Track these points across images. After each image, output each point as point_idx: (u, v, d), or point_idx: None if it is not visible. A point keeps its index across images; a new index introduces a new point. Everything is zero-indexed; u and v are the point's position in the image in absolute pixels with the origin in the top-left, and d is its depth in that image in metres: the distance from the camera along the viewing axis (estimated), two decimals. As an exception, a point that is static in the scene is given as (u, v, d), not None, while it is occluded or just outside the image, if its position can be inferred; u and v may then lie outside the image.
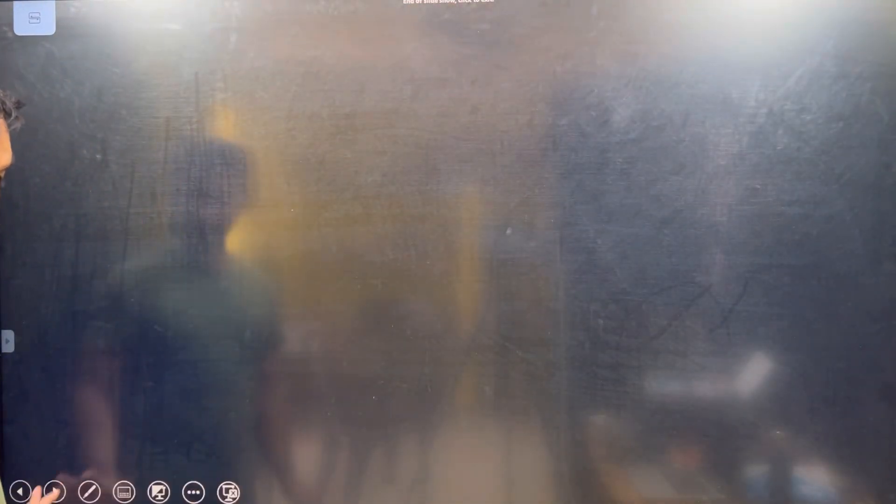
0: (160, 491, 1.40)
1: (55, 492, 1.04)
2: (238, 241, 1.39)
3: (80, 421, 1.40)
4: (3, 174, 1.07)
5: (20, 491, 1.38)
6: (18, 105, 1.09)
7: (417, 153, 1.36)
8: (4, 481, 1.38)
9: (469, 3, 1.35)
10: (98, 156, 1.37)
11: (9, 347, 1.38)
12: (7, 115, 1.06)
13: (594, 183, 1.35)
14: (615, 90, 1.34)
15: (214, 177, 1.37)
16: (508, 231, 1.36)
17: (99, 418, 1.40)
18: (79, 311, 1.40)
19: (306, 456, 1.41)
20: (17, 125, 1.09)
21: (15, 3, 1.37)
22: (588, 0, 1.34)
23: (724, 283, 1.33)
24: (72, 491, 1.38)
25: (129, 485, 1.39)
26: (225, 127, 1.38)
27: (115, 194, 1.37)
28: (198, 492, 1.39)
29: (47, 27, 1.37)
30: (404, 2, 1.35)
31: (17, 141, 1.37)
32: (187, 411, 1.39)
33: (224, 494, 1.39)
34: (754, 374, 1.35)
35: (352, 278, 1.36)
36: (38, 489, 1.06)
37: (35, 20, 1.37)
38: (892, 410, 1.33)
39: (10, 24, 1.37)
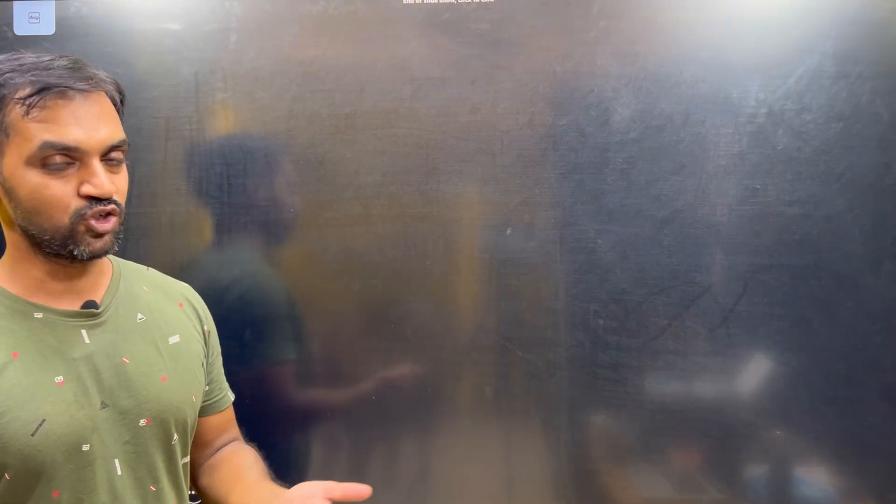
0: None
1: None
2: (239, 241, 1.39)
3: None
4: None
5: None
6: None
7: (417, 153, 1.36)
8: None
9: (469, 3, 1.35)
10: (98, 156, 1.37)
11: (9, 347, 1.38)
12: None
13: (594, 183, 1.35)
14: (615, 90, 1.34)
15: (214, 176, 1.37)
16: (508, 231, 1.36)
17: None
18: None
19: (303, 456, 1.41)
20: None
21: (15, 3, 1.37)
22: (588, 0, 1.34)
23: (724, 283, 1.33)
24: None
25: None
26: (225, 127, 1.38)
27: (115, 194, 1.37)
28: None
29: (47, 27, 1.37)
30: (404, 2, 1.35)
31: (17, 141, 1.37)
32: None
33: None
34: (754, 374, 1.35)
35: (351, 278, 1.37)
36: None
37: (35, 20, 1.37)
38: (892, 410, 1.33)
39: (10, 24, 1.37)
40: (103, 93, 0.94)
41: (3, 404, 0.89)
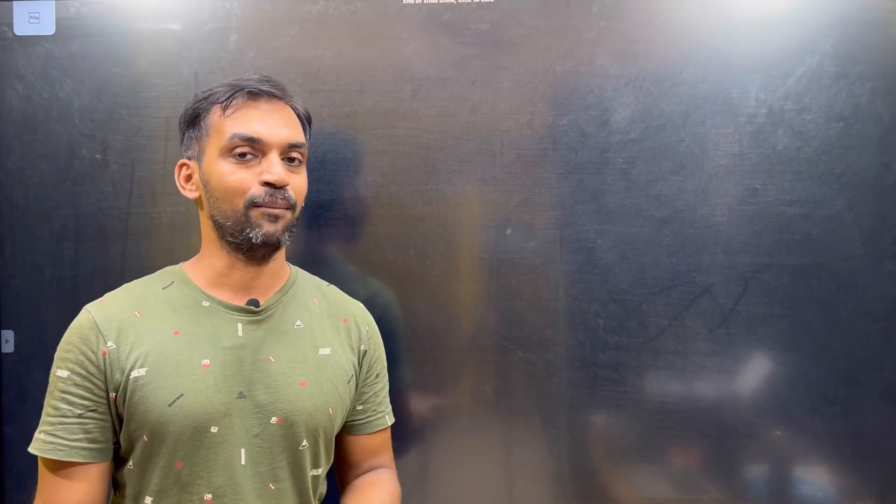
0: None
1: None
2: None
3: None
4: None
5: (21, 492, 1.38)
6: None
7: (417, 153, 1.36)
8: (4, 481, 1.38)
9: (469, 3, 1.35)
10: (98, 156, 1.37)
11: (9, 347, 1.38)
12: None
13: (594, 183, 1.35)
14: (615, 90, 1.34)
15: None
16: (508, 231, 1.36)
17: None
18: (78, 310, 1.39)
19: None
20: None
21: (15, 3, 1.37)
22: (588, 0, 1.34)
23: (724, 283, 1.33)
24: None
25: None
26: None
27: (115, 194, 1.37)
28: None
29: (47, 27, 1.37)
30: (404, 2, 1.35)
31: (17, 141, 1.37)
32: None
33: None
34: (754, 374, 1.35)
35: (351, 278, 1.36)
36: None
37: (35, 20, 1.37)
38: (892, 410, 1.33)
39: (10, 24, 1.37)
40: (288, 106, 1.07)
41: (153, 373, 1.00)
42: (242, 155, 1.01)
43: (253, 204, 1.01)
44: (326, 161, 1.36)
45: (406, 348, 1.37)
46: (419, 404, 1.37)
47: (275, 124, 1.03)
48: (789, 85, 1.32)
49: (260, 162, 1.02)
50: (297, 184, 1.05)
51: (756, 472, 1.35)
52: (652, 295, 1.34)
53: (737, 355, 1.34)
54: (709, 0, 1.33)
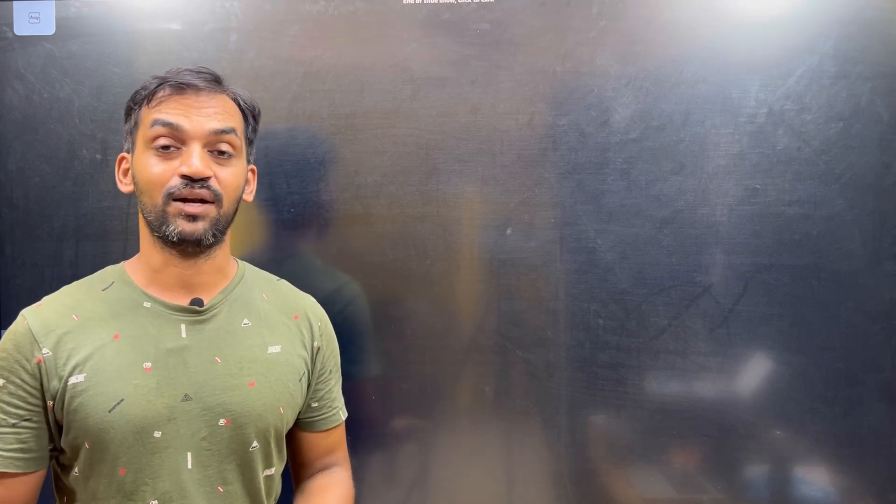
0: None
1: None
2: (239, 240, 1.39)
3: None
4: None
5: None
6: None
7: (417, 153, 1.36)
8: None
9: (469, 3, 1.35)
10: (98, 156, 1.37)
11: (9, 347, 1.38)
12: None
13: (594, 183, 1.35)
14: (615, 90, 1.34)
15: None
16: (508, 231, 1.36)
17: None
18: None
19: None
20: None
21: (15, 3, 1.37)
22: (588, 0, 1.34)
23: (724, 283, 1.33)
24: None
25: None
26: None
27: (115, 194, 1.37)
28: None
29: (47, 27, 1.37)
30: (404, 2, 1.35)
31: (17, 141, 1.37)
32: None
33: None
34: (754, 374, 1.35)
35: (351, 278, 1.36)
36: None
37: (35, 20, 1.37)
38: (892, 410, 1.33)
39: (10, 24, 1.37)
40: (224, 95, 1.02)
41: (92, 379, 0.96)
42: (165, 147, 0.97)
43: (171, 196, 0.96)
44: (326, 161, 1.36)
45: (404, 346, 1.37)
46: (419, 404, 1.37)
47: (198, 114, 0.98)
48: (789, 85, 1.32)
49: (181, 154, 0.97)
50: (225, 176, 0.99)
51: (756, 472, 1.35)
52: (652, 295, 1.34)
53: (737, 355, 1.34)
54: (709, 0, 1.33)
